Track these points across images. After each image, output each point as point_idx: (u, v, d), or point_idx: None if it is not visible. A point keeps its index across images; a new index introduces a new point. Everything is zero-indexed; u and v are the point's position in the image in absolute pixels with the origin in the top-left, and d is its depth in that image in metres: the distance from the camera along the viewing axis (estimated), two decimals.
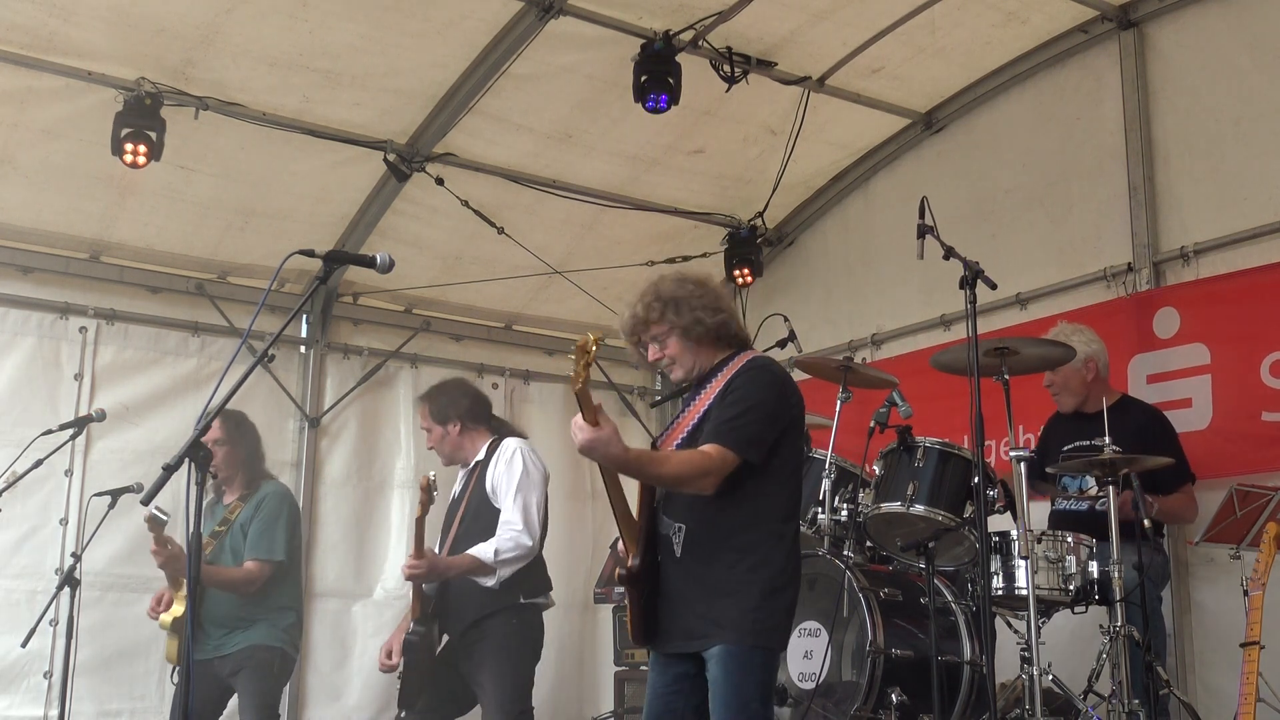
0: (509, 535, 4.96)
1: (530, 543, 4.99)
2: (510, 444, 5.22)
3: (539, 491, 5.11)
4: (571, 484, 8.28)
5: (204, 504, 5.37)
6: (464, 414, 5.34)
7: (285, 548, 5.49)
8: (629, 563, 3.72)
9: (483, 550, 4.93)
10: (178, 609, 5.33)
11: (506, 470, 5.08)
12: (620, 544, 3.92)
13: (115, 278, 7.04)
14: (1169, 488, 5.19)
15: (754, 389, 3.68)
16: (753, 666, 3.58)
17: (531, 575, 5.10)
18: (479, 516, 5.07)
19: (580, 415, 3.46)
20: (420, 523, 4.94)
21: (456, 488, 5.40)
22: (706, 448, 3.59)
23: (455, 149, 6.95)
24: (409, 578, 4.97)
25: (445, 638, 5.16)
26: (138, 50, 5.98)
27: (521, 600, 5.07)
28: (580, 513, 8.29)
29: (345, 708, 7.38)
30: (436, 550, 5.18)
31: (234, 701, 5.46)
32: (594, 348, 3.39)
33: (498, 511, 5.04)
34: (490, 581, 4.96)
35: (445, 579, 5.03)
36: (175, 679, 5.55)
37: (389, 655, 5.15)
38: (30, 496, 6.44)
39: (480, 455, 5.25)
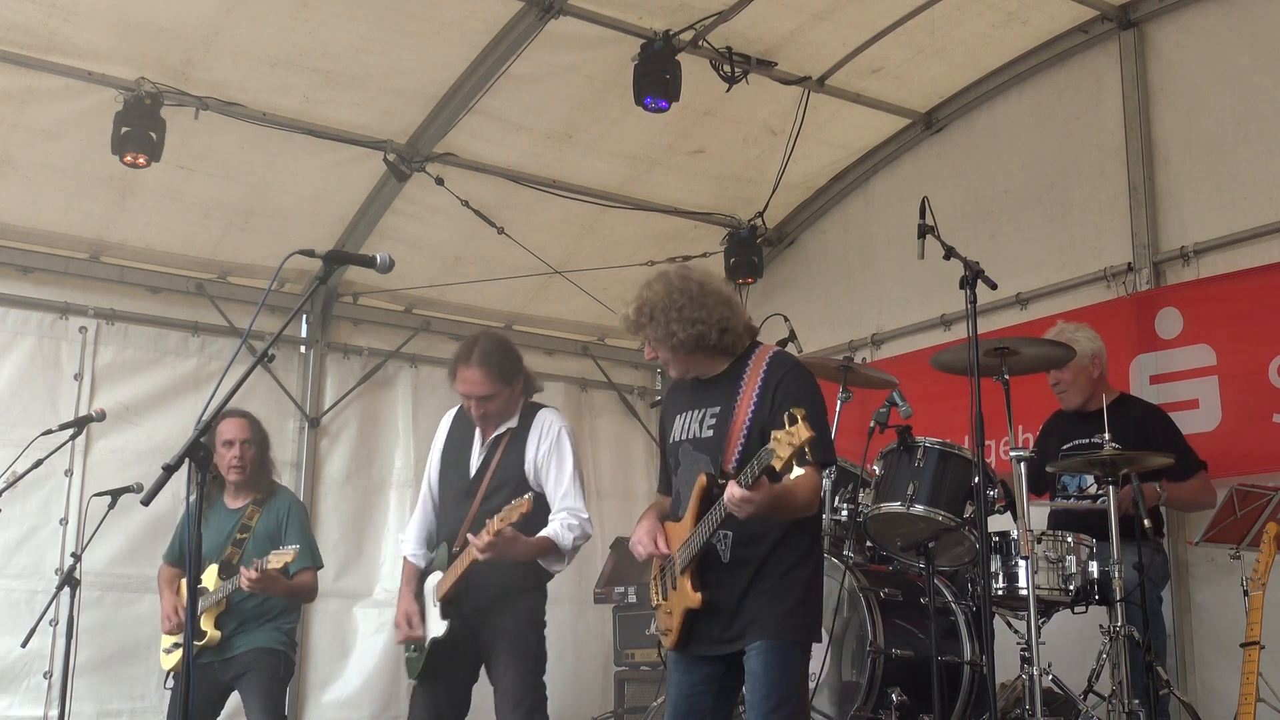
0: (578, 521, 4.59)
1: (592, 530, 4.66)
2: (552, 421, 4.80)
3: (581, 470, 4.77)
4: None
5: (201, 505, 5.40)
6: (522, 373, 4.81)
7: (320, 554, 5.51)
8: (700, 601, 3.61)
9: (559, 534, 4.53)
10: (206, 621, 5.21)
11: (556, 452, 4.69)
12: (645, 539, 3.84)
13: (115, 278, 7.04)
14: (1180, 477, 5.17)
15: (807, 394, 3.66)
16: (792, 662, 3.60)
17: None
18: (509, 494, 4.56)
19: (739, 485, 3.35)
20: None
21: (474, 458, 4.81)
22: (810, 470, 3.49)
23: (455, 149, 6.95)
24: (485, 552, 4.36)
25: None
26: (138, 50, 5.98)
27: (542, 581, 4.81)
28: None
29: (345, 707, 7.38)
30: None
31: (235, 702, 5.45)
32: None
33: (532, 490, 4.62)
34: (559, 567, 4.65)
35: (510, 560, 4.49)
36: (168, 685, 5.48)
37: (409, 623, 4.76)
38: (30, 496, 6.45)
39: (513, 423, 4.77)
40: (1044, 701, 4.38)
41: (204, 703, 5.24)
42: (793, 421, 3.20)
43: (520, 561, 4.55)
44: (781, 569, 3.62)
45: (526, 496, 4.35)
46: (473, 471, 4.79)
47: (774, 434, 3.24)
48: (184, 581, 5.30)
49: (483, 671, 4.83)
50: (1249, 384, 5.74)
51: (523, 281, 7.82)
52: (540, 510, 4.59)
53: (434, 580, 4.81)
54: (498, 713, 4.71)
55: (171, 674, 5.44)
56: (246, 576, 5.02)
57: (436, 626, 4.75)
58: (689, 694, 3.75)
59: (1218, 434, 5.78)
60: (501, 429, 4.77)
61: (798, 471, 3.24)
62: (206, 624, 5.24)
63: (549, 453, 4.69)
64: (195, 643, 5.19)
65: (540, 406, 4.87)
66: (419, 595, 4.85)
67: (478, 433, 4.82)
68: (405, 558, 4.93)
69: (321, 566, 5.53)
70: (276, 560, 4.99)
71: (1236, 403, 5.78)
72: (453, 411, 5.02)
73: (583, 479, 4.73)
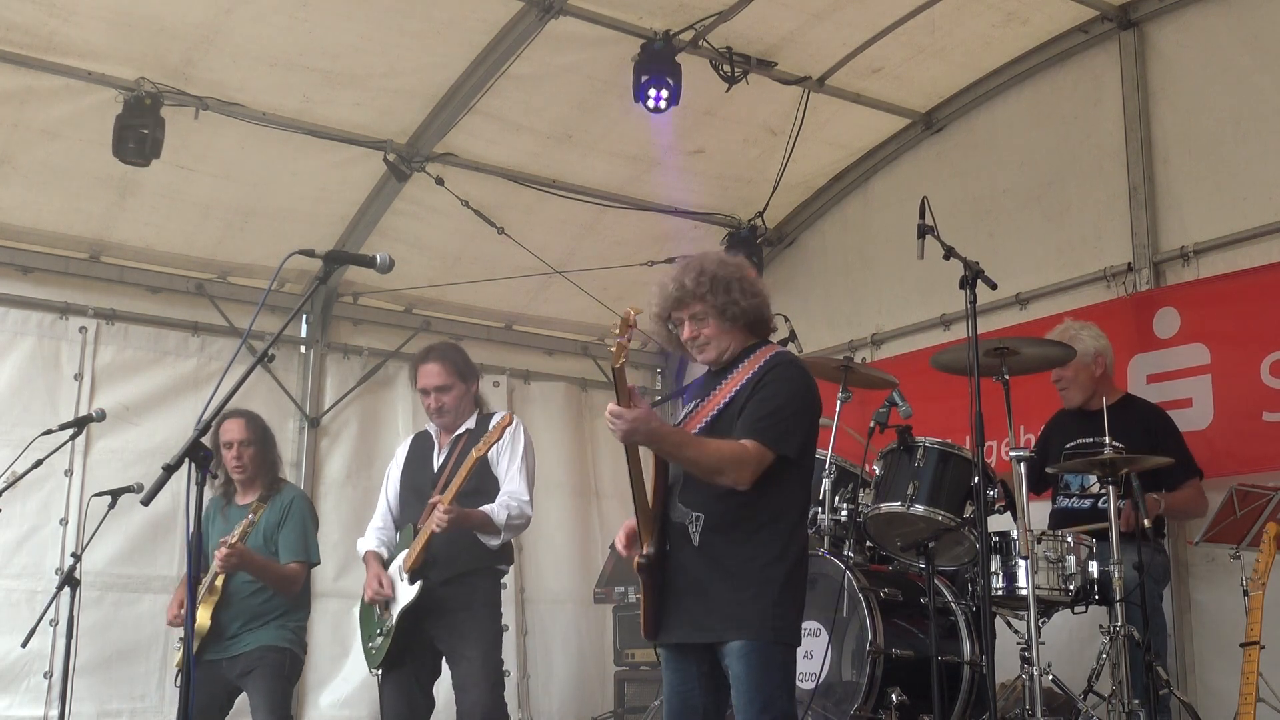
0: (516, 503, 5.00)
1: (531, 513, 5.08)
2: (508, 416, 5.20)
3: (534, 465, 5.20)
4: (578, 481, 8.29)
5: (211, 505, 5.43)
6: (476, 377, 5.34)
7: (317, 550, 5.53)
8: (645, 550, 3.65)
9: (495, 511, 4.96)
10: (203, 614, 5.24)
11: (511, 443, 5.09)
12: (623, 535, 3.88)
13: (115, 278, 7.04)
14: (1175, 484, 5.19)
15: (789, 385, 3.68)
16: (775, 662, 3.58)
17: (509, 544, 5.21)
18: (478, 488, 4.98)
19: (614, 402, 3.48)
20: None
21: (434, 458, 5.24)
22: (745, 442, 3.58)
23: (455, 149, 6.95)
24: (444, 526, 4.78)
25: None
26: (138, 50, 5.98)
27: (499, 566, 5.19)
28: (586, 510, 8.30)
29: (345, 707, 7.37)
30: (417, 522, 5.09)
31: (241, 701, 5.44)
32: (634, 324, 3.44)
33: (495, 480, 5.06)
34: (494, 542, 5.02)
35: (457, 531, 4.92)
36: (177, 683, 5.47)
37: (380, 584, 5.05)
38: (30, 496, 6.45)
39: (471, 424, 5.21)
40: (1044, 701, 4.39)
41: (210, 701, 5.23)
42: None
43: (470, 533, 4.97)
44: (756, 564, 3.59)
45: (501, 417, 4.96)
46: (435, 466, 5.19)
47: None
48: (216, 581, 5.31)
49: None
50: (1241, 383, 5.75)
51: (523, 281, 7.82)
52: (491, 494, 5.04)
53: (399, 559, 5.06)
54: (460, 690, 4.95)
55: (179, 673, 5.41)
56: (218, 555, 5.10)
57: (406, 594, 4.98)
58: (682, 692, 3.74)
59: (1209, 432, 5.79)
60: (461, 429, 5.21)
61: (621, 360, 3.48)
62: (203, 614, 5.23)
63: (505, 443, 5.07)
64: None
65: (494, 412, 5.32)
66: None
67: (436, 443, 5.27)
68: (368, 550, 5.23)
69: (316, 563, 5.54)
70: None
71: (1228, 401, 5.79)
72: (407, 440, 5.50)
73: (531, 470, 5.15)
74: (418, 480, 5.23)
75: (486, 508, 4.97)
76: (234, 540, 5.11)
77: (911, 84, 7.06)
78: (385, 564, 5.16)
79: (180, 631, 5.50)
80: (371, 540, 5.27)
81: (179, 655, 5.42)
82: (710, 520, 3.63)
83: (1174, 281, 6.16)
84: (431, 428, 5.33)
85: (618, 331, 3.45)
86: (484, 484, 5.02)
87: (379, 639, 5.07)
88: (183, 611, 5.29)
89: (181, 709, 3.27)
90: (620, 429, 3.49)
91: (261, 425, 5.54)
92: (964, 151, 7.22)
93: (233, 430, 5.39)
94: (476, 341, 8.09)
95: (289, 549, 5.36)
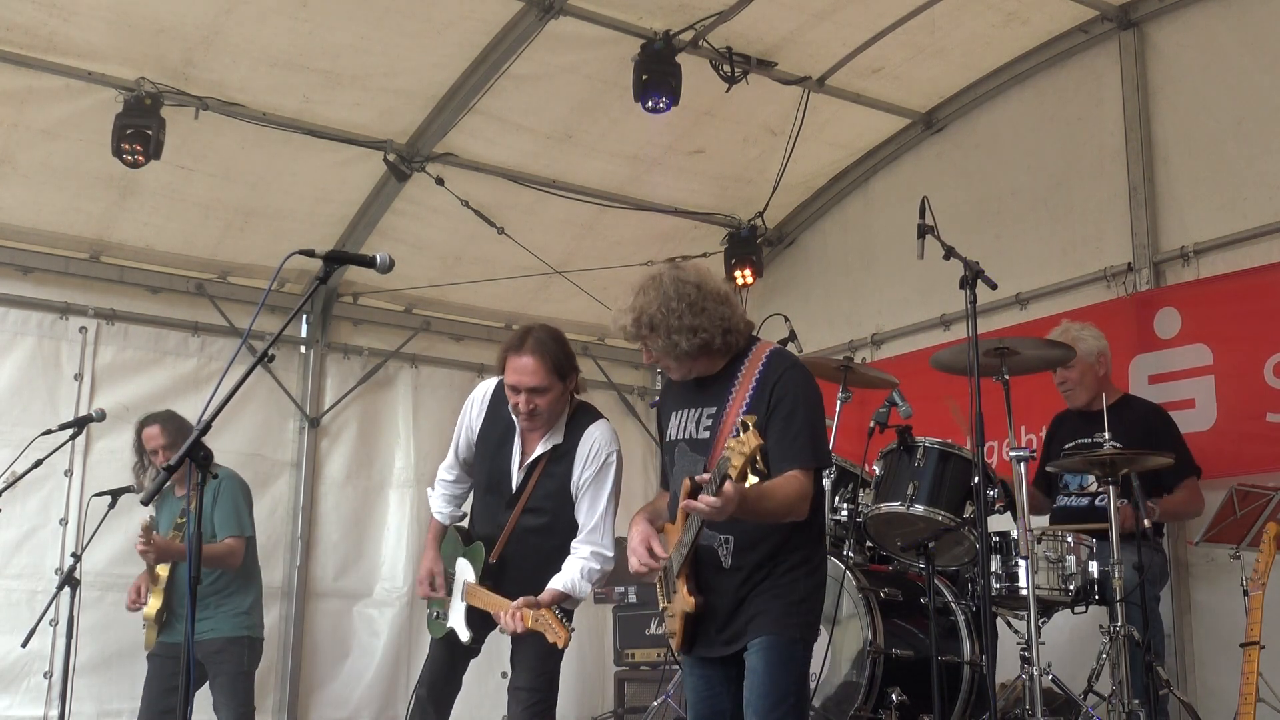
0: (597, 563, 4.31)
1: (613, 565, 4.38)
2: (599, 446, 4.41)
3: (618, 502, 4.46)
4: None
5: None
6: (576, 372, 4.43)
7: (251, 524, 5.72)
8: (695, 604, 3.57)
9: (576, 586, 4.28)
10: (155, 601, 5.52)
11: (595, 483, 4.38)
12: (638, 542, 3.75)
13: (115, 278, 7.05)
14: (1171, 483, 5.19)
15: (803, 394, 3.62)
16: (793, 659, 3.58)
17: None
18: (556, 517, 4.40)
19: (706, 490, 3.30)
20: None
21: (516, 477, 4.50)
22: (797, 473, 3.51)
23: (455, 149, 6.95)
24: (518, 630, 4.17)
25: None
26: (138, 50, 5.98)
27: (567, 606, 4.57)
28: None
29: (346, 707, 7.38)
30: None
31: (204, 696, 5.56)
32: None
33: (571, 506, 4.40)
34: (574, 605, 4.37)
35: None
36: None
37: (431, 584, 4.56)
38: (30, 496, 6.46)
39: (558, 438, 4.41)
40: (1044, 701, 4.38)
41: (173, 684, 5.36)
42: (744, 429, 3.14)
43: (534, 574, 4.36)
44: (786, 571, 3.61)
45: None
46: (514, 483, 4.50)
47: (727, 443, 3.19)
48: (160, 569, 5.56)
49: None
50: (1244, 383, 5.74)
51: (523, 281, 7.82)
52: (568, 525, 4.42)
53: (466, 576, 4.54)
54: (511, 698, 4.49)
55: (149, 654, 5.62)
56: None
57: (459, 625, 4.52)
58: (708, 697, 3.74)
59: (1212, 433, 5.79)
60: (545, 446, 4.43)
61: (753, 480, 3.17)
62: (154, 601, 5.50)
63: (590, 481, 4.39)
64: (148, 615, 5.54)
65: (589, 419, 4.49)
66: (449, 573, 4.62)
67: (517, 439, 4.49)
68: (434, 524, 4.73)
69: (250, 535, 5.70)
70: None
71: (1231, 402, 5.78)
72: (490, 387, 4.60)
73: (615, 510, 4.42)
74: (492, 474, 4.53)
75: (564, 583, 4.27)
76: (155, 536, 5.39)
77: (911, 84, 7.06)
78: (449, 548, 4.63)
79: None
80: (439, 499, 4.70)
81: (146, 637, 5.61)
82: (740, 541, 3.62)
83: (1174, 281, 6.16)
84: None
85: (735, 461, 3.16)
86: (558, 506, 4.40)
87: (438, 621, 4.65)
88: (139, 600, 5.60)
89: (181, 711, 3.28)
90: (725, 516, 3.31)
91: (177, 424, 5.67)
92: (964, 151, 7.23)
93: (150, 439, 5.63)
94: (476, 341, 8.11)
95: (223, 525, 5.56)
